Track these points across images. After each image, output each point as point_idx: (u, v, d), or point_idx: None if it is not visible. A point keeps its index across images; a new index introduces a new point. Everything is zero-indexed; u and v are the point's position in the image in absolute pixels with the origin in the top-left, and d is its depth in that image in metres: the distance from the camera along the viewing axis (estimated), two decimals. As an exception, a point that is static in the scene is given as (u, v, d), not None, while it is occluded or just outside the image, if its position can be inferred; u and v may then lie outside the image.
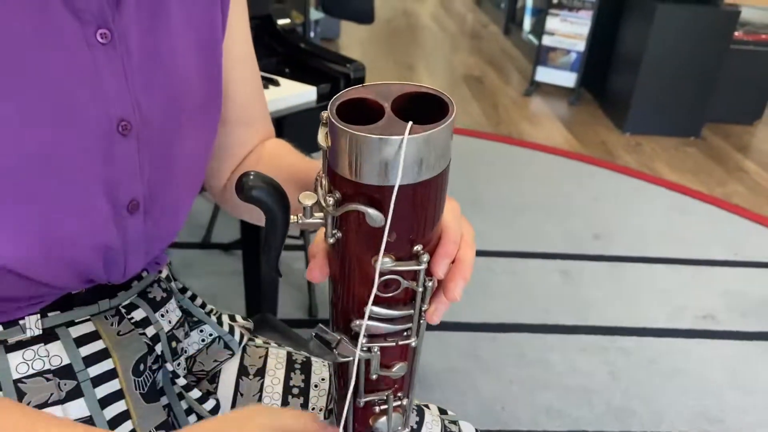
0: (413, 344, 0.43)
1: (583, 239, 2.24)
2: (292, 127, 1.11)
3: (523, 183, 2.64)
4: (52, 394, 0.51)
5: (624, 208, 2.51)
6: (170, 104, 0.52)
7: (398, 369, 0.44)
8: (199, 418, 0.61)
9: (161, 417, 0.57)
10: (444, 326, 1.74)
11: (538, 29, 3.75)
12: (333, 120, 0.33)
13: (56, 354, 0.52)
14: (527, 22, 4.60)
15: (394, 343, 0.42)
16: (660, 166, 2.92)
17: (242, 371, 0.67)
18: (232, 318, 0.71)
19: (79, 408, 0.52)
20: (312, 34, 3.22)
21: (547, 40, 3.58)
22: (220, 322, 0.68)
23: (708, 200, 2.61)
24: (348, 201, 0.35)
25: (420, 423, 0.68)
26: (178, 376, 0.59)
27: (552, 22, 3.53)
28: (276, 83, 1.15)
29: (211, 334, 0.66)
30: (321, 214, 0.37)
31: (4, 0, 0.41)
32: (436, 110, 0.34)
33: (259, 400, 0.65)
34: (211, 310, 0.69)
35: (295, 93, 1.14)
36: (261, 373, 0.67)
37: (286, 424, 0.46)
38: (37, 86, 0.43)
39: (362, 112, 0.34)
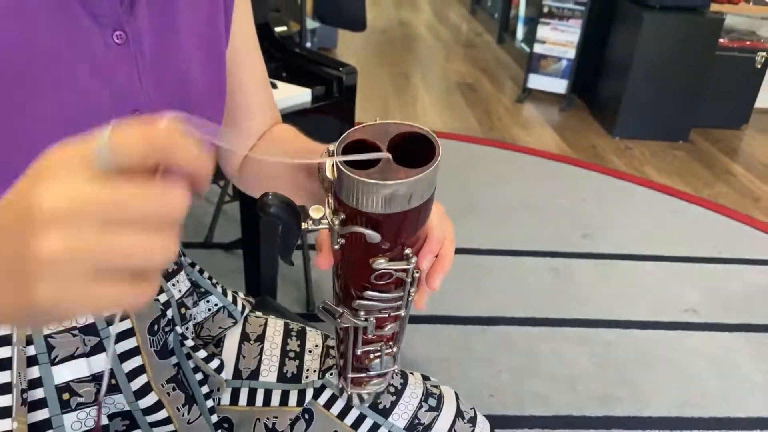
0: (402, 313, 0.51)
1: (571, 238, 2.32)
2: (291, 123, 1.20)
3: (515, 186, 2.72)
4: (78, 348, 0.59)
5: (612, 208, 2.59)
6: (178, 99, 0.59)
7: (389, 329, 0.52)
8: (205, 376, 0.68)
9: (171, 372, 0.64)
10: (437, 320, 1.81)
11: (530, 37, 3.84)
12: (340, 165, 0.39)
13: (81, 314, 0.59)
14: (520, 31, 4.70)
15: (386, 315, 0.50)
16: (649, 169, 3.01)
17: (244, 337, 0.74)
18: (235, 293, 0.79)
19: (101, 361, 0.60)
20: (309, 44, 3.31)
21: (538, 48, 3.67)
22: (225, 294, 0.75)
23: (694, 201, 2.70)
24: (350, 222, 0.42)
25: (404, 385, 0.75)
26: (186, 338, 0.66)
27: (543, 31, 3.62)
28: (274, 86, 1.23)
29: (216, 304, 0.74)
30: (326, 221, 0.44)
31: (38, 8, 0.48)
32: (426, 145, 0.42)
33: (259, 362, 0.72)
34: (217, 283, 0.76)
35: (291, 95, 1.22)
36: (261, 339, 0.74)
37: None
38: (63, 81, 0.50)
39: (364, 147, 0.41)
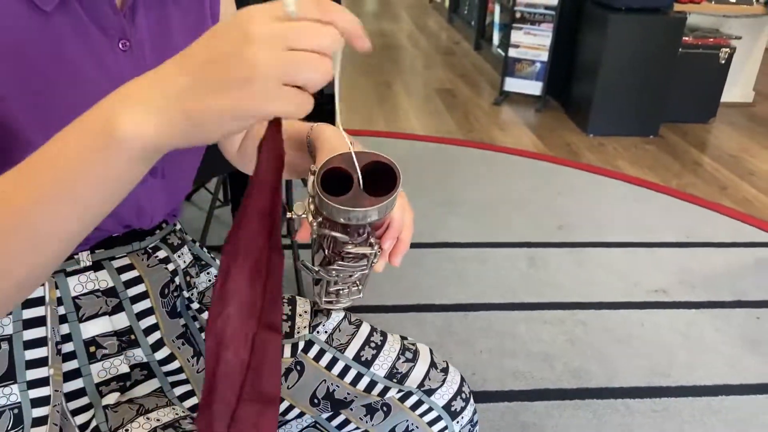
0: (367, 272, 0.63)
1: (547, 229, 2.45)
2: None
3: (494, 183, 2.85)
4: (101, 308, 0.69)
5: (586, 200, 2.72)
6: None
7: (358, 277, 0.64)
8: (209, 334, 0.79)
9: (180, 330, 0.75)
10: (421, 308, 1.92)
11: (505, 43, 3.99)
12: (318, 190, 0.51)
13: (103, 279, 0.70)
14: (496, 37, 4.86)
15: (353, 272, 0.62)
16: (622, 163, 3.15)
17: (241, 304, 0.85)
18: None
19: (121, 319, 0.70)
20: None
21: (513, 53, 3.82)
22: (222, 266, 0.86)
23: (664, 190, 2.83)
24: (324, 225, 0.54)
25: (383, 341, 0.86)
26: (192, 302, 0.77)
27: (516, 36, 3.77)
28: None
29: (216, 276, 0.85)
30: (306, 216, 0.56)
31: (60, 27, 0.58)
32: (391, 173, 0.53)
33: (255, 324, 0.83)
34: (215, 257, 0.87)
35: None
36: (256, 305, 0.85)
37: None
38: (83, 88, 0.60)
39: (339, 173, 0.53)
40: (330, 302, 0.67)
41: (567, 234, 2.42)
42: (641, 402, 1.63)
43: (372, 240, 0.58)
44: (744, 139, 3.54)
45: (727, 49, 3.55)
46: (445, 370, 0.88)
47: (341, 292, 0.66)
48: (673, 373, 1.74)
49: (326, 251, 0.60)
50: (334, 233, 0.54)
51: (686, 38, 3.46)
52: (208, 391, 0.48)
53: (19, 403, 0.65)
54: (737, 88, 3.99)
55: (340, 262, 0.59)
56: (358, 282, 0.66)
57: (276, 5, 0.38)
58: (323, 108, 1.44)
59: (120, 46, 0.62)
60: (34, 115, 0.57)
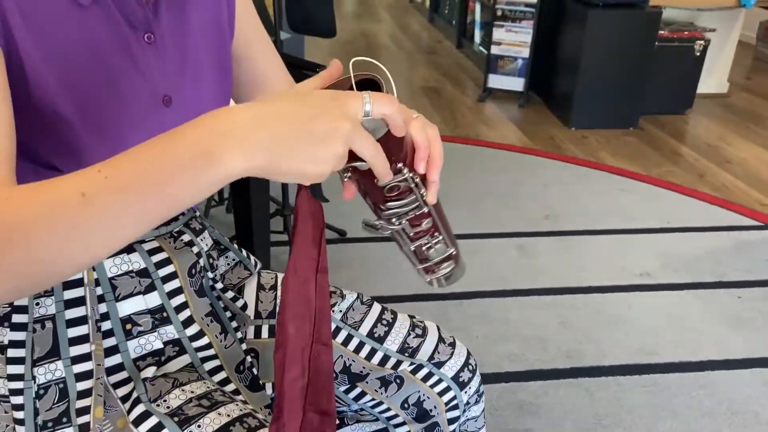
0: (426, 210, 0.65)
1: (535, 219, 2.52)
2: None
3: (482, 176, 2.92)
4: (135, 287, 0.74)
5: (571, 191, 2.80)
6: (194, 85, 0.75)
7: (426, 223, 0.66)
8: (233, 314, 0.84)
9: (208, 309, 0.80)
10: (418, 297, 1.98)
11: (487, 40, 4.07)
12: None
13: (136, 261, 0.75)
14: (477, 35, 4.94)
15: (413, 215, 0.64)
16: (604, 155, 3.24)
17: (260, 287, 0.90)
18: (248, 252, 0.95)
19: (153, 298, 0.75)
20: (279, 57, 3.47)
21: (495, 50, 3.90)
22: (240, 250, 0.91)
23: (645, 179, 2.93)
24: (346, 169, 0.58)
25: (394, 319, 0.92)
26: (216, 282, 0.82)
27: (498, 33, 3.85)
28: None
29: (234, 259, 0.90)
30: None
31: (96, 24, 0.63)
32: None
33: (275, 305, 0.89)
34: (233, 242, 0.93)
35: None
36: (274, 288, 0.91)
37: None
38: (116, 78, 0.66)
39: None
40: (432, 271, 0.69)
41: (554, 223, 2.50)
42: (631, 379, 1.71)
43: (400, 166, 0.58)
44: (720, 129, 3.65)
45: (702, 42, 3.66)
46: (453, 345, 0.94)
47: (429, 251, 0.67)
48: (660, 351, 1.82)
49: (370, 203, 0.62)
50: (353, 163, 0.54)
51: (662, 32, 3.56)
52: (279, 400, 0.59)
53: (64, 378, 0.70)
54: (712, 80, 4.10)
55: (388, 204, 0.60)
56: (432, 232, 0.67)
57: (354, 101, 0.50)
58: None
59: (145, 38, 0.67)
60: (76, 107, 0.62)
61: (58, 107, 0.61)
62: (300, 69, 1.46)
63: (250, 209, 1.73)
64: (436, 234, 0.68)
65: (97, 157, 0.61)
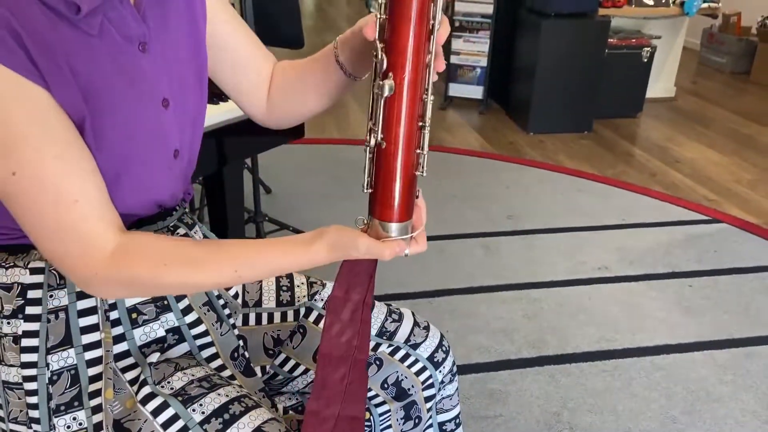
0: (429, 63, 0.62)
1: (498, 220, 2.63)
2: (251, 127, 1.43)
3: (446, 181, 3.02)
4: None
5: (531, 192, 2.93)
6: (181, 87, 0.79)
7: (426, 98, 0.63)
8: (226, 303, 0.90)
9: (204, 298, 0.86)
10: (390, 297, 2.06)
11: (446, 50, 4.20)
12: None
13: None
14: (437, 46, 5.07)
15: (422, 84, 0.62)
16: (561, 157, 3.38)
17: (247, 279, 0.97)
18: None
19: (154, 290, 0.81)
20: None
21: (454, 59, 4.03)
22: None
23: (600, 180, 3.08)
24: None
25: (372, 306, 1.00)
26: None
27: (456, 44, 3.98)
28: (234, 99, 1.47)
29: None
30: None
31: (98, 44, 0.67)
32: None
33: (260, 294, 0.95)
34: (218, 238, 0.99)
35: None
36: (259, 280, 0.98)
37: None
38: (121, 84, 0.70)
39: None
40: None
41: (516, 223, 2.61)
42: (593, 364, 1.82)
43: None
44: (669, 131, 3.85)
45: (649, 49, 3.86)
46: (427, 328, 1.02)
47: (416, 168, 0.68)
48: (619, 338, 1.93)
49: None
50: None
51: (611, 40, 3.74)
52: (316, 400, 0.72)
53: (75, 365, 0.75)
54: (660, 84, 4.32)
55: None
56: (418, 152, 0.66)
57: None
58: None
59: (140, 48, 0.72)
60: (89, 125, 0.68)
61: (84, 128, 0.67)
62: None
63: (226, 218, 1.79)
64: (419, 152, 0.67)
65: (100, 162, 0.68)
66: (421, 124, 0.65)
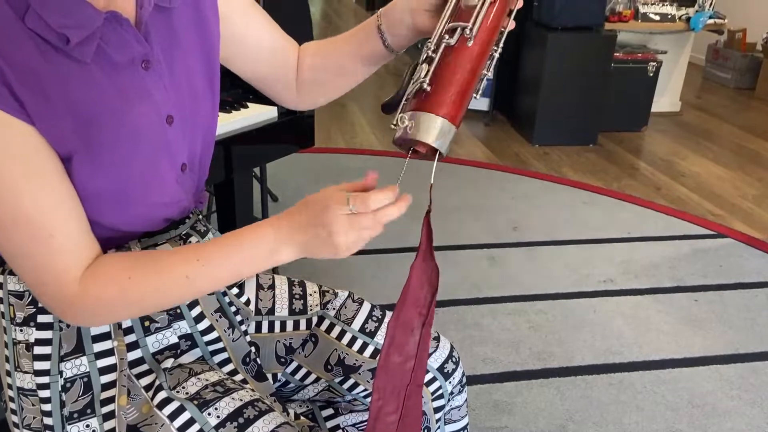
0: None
1: (504, 231, 2.64)
2: (262, 136, 1.44)
3: (452, 191, 3.03)
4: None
5: (537, 204, 2.93)
6: (190, 100, 0.79)
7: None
8: (237, 309, 0.90)
9: (216, 305, 0.86)
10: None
11: (452, 62, 4.22)
12: None
13: (151, 262, 0.82)
14: (443, 57, 5.09)
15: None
16: (566, 169, 3.39)
17: (259, 287, 0.97)
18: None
19: (167, 297, 0.82)
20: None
21: (460, 71, 4.04)
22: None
23: (605, 193, 3.08)
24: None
25: (383, 316, 1.00)
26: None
27: (463, 55, 4.00)
28: (245, 106, 1.48)
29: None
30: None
31: (100, 67, 0.66)
32: None
33: (273, 303, 0.96)
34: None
35: (261, 112, 1.47)
36: (272, 287, 0.98)
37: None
38: (120, 106, 0.69)
39: None
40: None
41: (522, 234, 2.62)
42: (598, 377, 1.82)
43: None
44: (674, 145, 3.86)
45: (655, 63, 3.87)
46: (437, 339, 1.02)
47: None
48: (625, 351, 1.93)
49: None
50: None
51: (617, 54, 3.76)
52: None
53: (88, 372, 0.76)
54: (665, 99, 4.33)
55: None
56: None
57: (340, 203, 0.67)
58: (302, 119, 1.56)
59: (143, 66, 0.71)
60: (87, 144, 0.67)
61: (67, 160, 0.67)
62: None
63: (235, 226, 1.79)
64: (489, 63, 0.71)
65: (99, 183, 0.69)
66: (502, 29, 0.72)
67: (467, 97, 0.67)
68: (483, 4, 0.68)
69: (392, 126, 0.65)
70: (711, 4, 3.97)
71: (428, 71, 0.65)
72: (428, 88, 0.65)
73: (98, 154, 0.68)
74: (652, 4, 3.92)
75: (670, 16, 3.90)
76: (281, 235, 0.69)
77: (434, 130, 0.62)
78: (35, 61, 0.62)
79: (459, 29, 0.67)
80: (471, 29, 0.66)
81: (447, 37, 0.67)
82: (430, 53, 0.67)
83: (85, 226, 0.69)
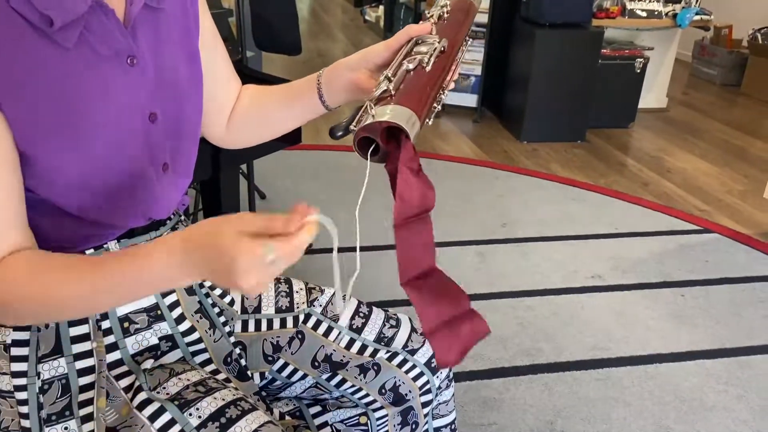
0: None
1: (493, 228, 2.64)
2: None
3: (441, 188, 3.00)
4: (132, 285, 0.79)
5: (525, 200, 2.93)
6: (174, 97, 0.79)
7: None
8: (221, 310, 0.89)
9: (197, 306, 0.85)
10: (386, 304, 2.05)
11: (440, 58, 4.21)
12: None
13: (131, 261, 0.80)
14: (431, 54, 5.08)
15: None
16: (554, 166, 3.40)
17: (244, 287, 0.96)
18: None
19: (148, 298, 0.80)
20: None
21: (448, 68, 4.03)
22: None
23: (593, 189, 3.09)
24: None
25: (370, 312, 1.00)
26: (204, 281, 0.88)
27: (451, 52, 3.99)
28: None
29: None
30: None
31: (82, 57, 0.66)
32: None
33: (259, 301, 0.95)
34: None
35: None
36: (257, 287, 0.97)
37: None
38: (101, 97, 0.69)
39: None
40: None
41: (510, 231, 2.62)
42: (586, 373, 1.82)
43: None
44: (661, 141, 3.88)
45: (642, 60, 3.89)
46: (424, 334, 1.02)
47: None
48: (612, 347, 1.94)
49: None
50: None
51: (604, 50, 3.77)
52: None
53: (66, 374, 0.74)
54: (652, 95, 4.35)
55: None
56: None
57: (243, 223, 0.58)
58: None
59: (128, 62, 0.71)
60: (69, 140, 0.67)
61: (45, 146, 0.66)
62: (260, 81, 1.53)
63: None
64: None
65: (80, 171, 0.68)
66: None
67: (429, 104, 0.69)
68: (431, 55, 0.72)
69: (353, 127, 0.66)
70: (697, 0, 3.99)
71: (389, 86, 0.68)
72: (393, 92, 0.67)
73: (79, 142, 0.67)
74: (639, 1, 3.93)
75: (656, 13, 3.91)
76: (181, 261, 0.62)
77: (403, 116, 0.62)
78: (9, 40, 0.62)
79: (416, 59, 0.72)
80: (428, 61, 0.71)
81: (406, 63, 0.72)
82: (389, 75, 0.70)
83: (17, 222, 0.67)
